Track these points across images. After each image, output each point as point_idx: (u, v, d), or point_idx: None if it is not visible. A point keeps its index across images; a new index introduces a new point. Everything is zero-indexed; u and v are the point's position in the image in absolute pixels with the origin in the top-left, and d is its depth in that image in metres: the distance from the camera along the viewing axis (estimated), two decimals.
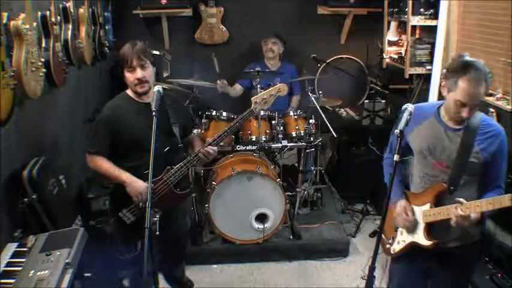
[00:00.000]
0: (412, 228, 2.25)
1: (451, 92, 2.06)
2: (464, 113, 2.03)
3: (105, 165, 2.55)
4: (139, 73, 2.46)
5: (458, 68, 2.02)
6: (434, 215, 2.15)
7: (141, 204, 2.52)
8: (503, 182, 2.19)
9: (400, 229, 2.34)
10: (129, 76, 2.49)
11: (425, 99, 4.17)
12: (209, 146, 2.62)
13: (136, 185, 2.49)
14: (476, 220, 2.03)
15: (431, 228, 2.20)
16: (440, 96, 3.97)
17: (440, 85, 2.18)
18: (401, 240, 2.32)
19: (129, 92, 2.60)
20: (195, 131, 3.85)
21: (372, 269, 2.09)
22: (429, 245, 2.17)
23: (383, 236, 2.41)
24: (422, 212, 2.20)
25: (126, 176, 2.51)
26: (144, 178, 2.45)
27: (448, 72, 2.08)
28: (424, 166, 2.25)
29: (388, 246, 2.40)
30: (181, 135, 2.73)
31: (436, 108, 2.23)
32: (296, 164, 4.54)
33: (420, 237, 2.22)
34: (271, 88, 2.79)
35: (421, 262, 2.31)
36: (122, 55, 2.48)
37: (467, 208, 2.00)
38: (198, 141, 2.85)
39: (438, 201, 2.17)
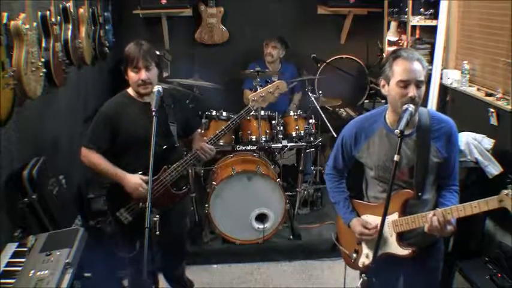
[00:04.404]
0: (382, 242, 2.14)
1: (390, 80, 2.01)
2: (411, 92, 1.95)
3: (100, 161, 2.54)
4: (143, 74, 2.46)
5: (389, 56, 2.04)
6: (407, 224, 2.08)
7: (141, 204, 2.53)
8: (457, 182, 2.17)
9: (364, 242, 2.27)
10: (132, 76, 2.49)
11: (425, 99, 4.17)
12: (206, 145, 2.63)
13: (131, 179, 2.49)
14: (450, 231, 2.00)
15: (402, 236, 2.14)
16: (440, 98, 4.02)
17: (381, 88, 2.10)
18: (370, 252, 2.23)
19: (130, 90, 2.61)
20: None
21: (371, 268, 2.09)
22: (408, 254, 2.11)
23: (345, 250, 2.36)
24: (392, 222, 2.12)
25: (120, 173, 2.51)
26: None
27: (382, 69, 2.07)
28: (386, 178, 2.15)
29: (353, 260, 2.30)
30: (184, 134, 2.75)
31: (382, 117, 2.16)
32: (296, 164, 4.54)
33: (394, 247, 2.14)
34: (269, 85, 2.78)
35: (394, 268, 2.25)
36: (128, 55, 2.48)
37: (448, 213, 1.95)
38: (200, 139, 2.85)
39: (405, 209, 2.11)
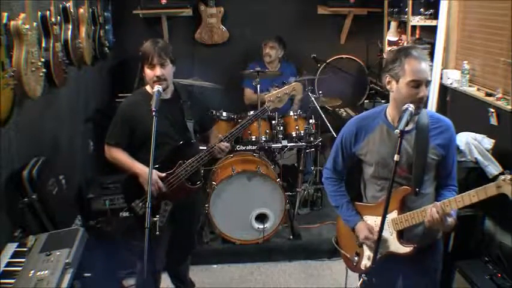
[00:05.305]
0: (382, 241, 2.13)
1: (400, 78, 1.99)
2: (422, 92, 1.96)
3: (120, 156, 2.64)
4: (158, 71, 2.52)
5: (399, 54, 2.01)
6: (407, 221, 2.08)
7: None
8: (456, 182, 2.18)
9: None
10: (148, 73, 2.55)
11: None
12: (222, 142, 2.68)
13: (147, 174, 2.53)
14: (451, 224, 2.00)
15: (402, 234, 2.14)
16: (440, 98, 4.02)
17: (386, 84, 2.08)
18: (372, 254, 2.18)
19: (147, 88, 2.66)
20: None
21: (371, 268, 2.09)
22: (409, 251, 2.10)
23: (345, 253, 2.35)
24: (392, 220, 2.11)
25: (139, 167, 2.58)
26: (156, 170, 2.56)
27: (388, 65, 2.05)
28: (385, 175, 2.15)
29: (355, 264, 2.29)
30: (200, 130, 2.81)
31: (382, 114, 2.16)
32: (296, 164, 4.54)
33: (396, 246, 2.13)
34: (285, 87, 2.79)
35: (394, 268, 2.25)
36: (143, 52, 2.55)
37: (447, 206, 1.95)
38: (215, 136, 2.89)
39: (404, 206, 2.11)
